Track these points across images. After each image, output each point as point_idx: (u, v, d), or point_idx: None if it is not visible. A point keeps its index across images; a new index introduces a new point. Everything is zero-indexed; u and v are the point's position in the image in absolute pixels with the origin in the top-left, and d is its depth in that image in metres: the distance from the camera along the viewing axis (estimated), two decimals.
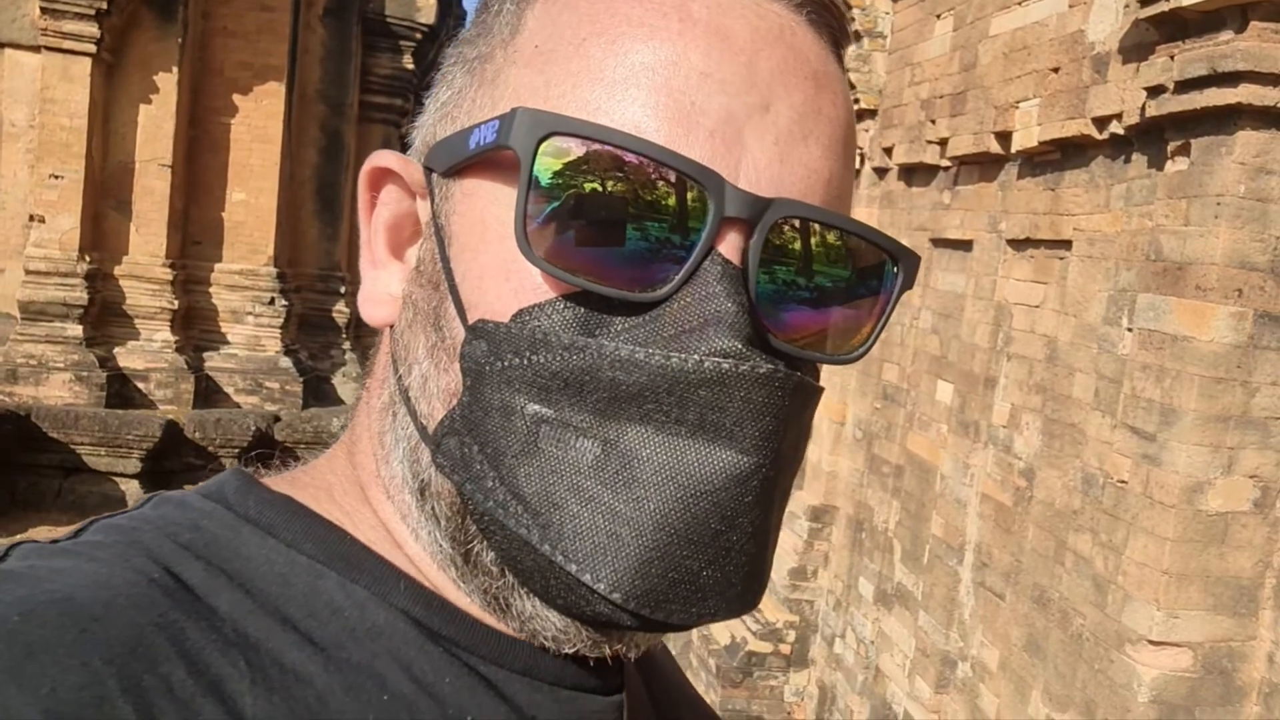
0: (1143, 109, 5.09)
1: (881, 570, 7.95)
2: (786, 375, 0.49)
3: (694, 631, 9.17)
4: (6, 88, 10.43)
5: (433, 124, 0.59)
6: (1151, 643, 4.73)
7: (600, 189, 0.50)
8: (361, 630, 0.52)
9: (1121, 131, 5.39)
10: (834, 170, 0.54)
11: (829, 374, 9.19)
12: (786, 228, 0.52)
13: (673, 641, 9.54)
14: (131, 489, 9.64)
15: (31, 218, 10.24)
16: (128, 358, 10.52)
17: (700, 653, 8.56)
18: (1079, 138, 5.73)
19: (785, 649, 8.51)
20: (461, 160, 0.54)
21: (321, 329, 12.30)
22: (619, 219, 0.50)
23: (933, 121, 7.47)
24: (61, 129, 10.21)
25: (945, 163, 7.41)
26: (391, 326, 0.59)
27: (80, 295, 10.16)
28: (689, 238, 0.50)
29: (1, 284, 10.39)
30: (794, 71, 0.53)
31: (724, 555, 0.49)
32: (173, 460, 9.96)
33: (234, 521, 0.54)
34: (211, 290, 11.35)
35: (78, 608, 0.45)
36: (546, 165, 0.50)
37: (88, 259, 10.31)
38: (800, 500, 8.71)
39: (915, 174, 8.02)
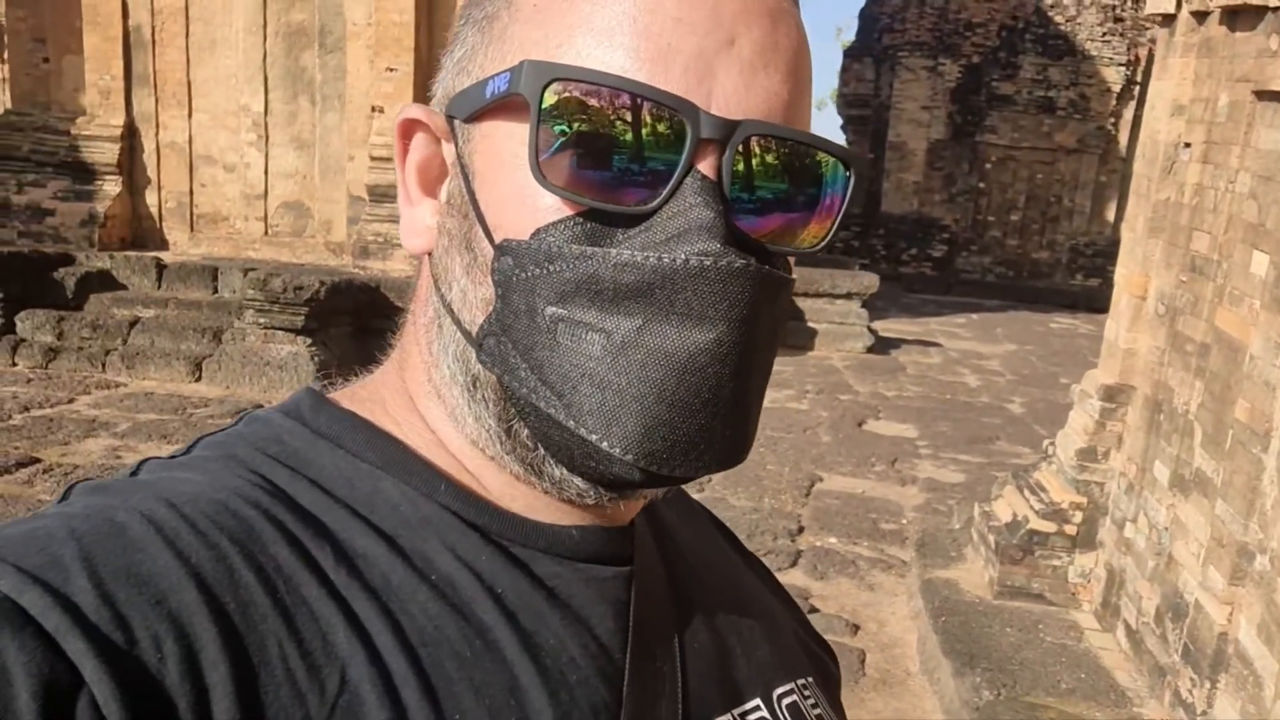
0: None
1: (1179, 454, 7.43)
2: (757, 268, 0.58)
3: (975, 508, 8.99)
4: None
5: (451, 78, 0.68)
6: None
7: (596, 123, 0.59)
8: (414, 521, 0.64)
9: None
10: (791, 93, 0.63)
11: (1129, 246, 8.33)
12: (753, 144, 0.61)
13: (954, 517, 9.47)
14: None
15: (373, 109, 11.43)
16: None
17: (980, 529, 8.49)
18: None
19: (1070, 529, 8.24)
20: (480, 107, 0.63)
21: None
22: (613, 147, 0.59)
23: None
24: (393, 25, 11.21)
25: (1276, 2, 6.46)
26: (429, 254, 0.69)
27: None
28: (672, 159, 0.59)
29: (352, 170, 11.71)
30: (753, 10, 0.61)
31: (712, 418, 0.59)
32: None
33: (310, 436, 0.67)
34: None
35: (206, 503, 0.58)
36: (551, 106, 0.58)
37: None
38: (1092, 379, 8.25)
39: (1240, 16, 7.05)
